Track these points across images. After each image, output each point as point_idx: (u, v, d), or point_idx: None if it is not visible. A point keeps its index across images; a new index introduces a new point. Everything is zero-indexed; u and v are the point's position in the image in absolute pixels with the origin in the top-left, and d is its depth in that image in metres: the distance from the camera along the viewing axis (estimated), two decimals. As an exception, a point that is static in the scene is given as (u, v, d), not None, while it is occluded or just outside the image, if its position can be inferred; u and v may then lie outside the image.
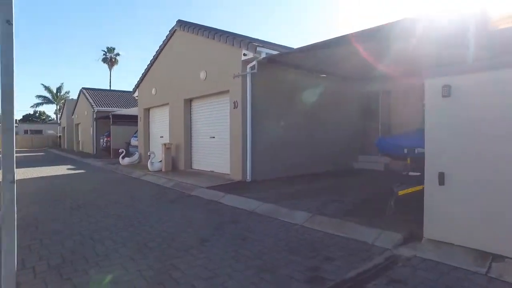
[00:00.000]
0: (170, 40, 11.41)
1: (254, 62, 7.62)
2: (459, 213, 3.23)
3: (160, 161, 10.72)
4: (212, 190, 6.98)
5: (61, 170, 12.57)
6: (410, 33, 5.72)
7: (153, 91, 12.63)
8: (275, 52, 7.67)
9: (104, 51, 45.87)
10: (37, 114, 53.85)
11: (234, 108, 8.23)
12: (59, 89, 48.57)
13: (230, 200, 6.13)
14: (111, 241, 4.00)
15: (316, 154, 9.39)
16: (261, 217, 5.03)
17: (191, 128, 10.66)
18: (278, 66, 8.26)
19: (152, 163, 10.59)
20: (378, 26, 5.48)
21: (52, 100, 48.82)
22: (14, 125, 1.62)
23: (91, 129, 21.88)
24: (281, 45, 9.60)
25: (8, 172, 1.63)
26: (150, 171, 10.38)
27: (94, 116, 21.37)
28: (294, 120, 8.89)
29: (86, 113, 23.35)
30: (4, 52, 1.58)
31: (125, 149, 13.88)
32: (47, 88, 47.77)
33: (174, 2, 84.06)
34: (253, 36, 10.03)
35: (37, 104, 49.12)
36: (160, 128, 12.71)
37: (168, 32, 11.35)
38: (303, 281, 2.86)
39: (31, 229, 4.57)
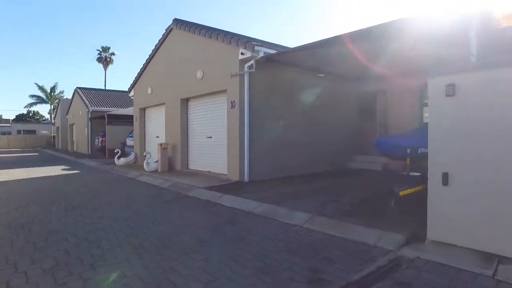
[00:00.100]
0: (166, 39, 11.29)
1: (251, 61, 7.54)
2: (463, 214, 3.18)
3: (156, 161, 10.60)
4: (209, 191, 6.88)
5: (56, 170, 12.38)
6: (407, 33, 5.69)
7: (149, 91, 12.50)
8: (272, 51, 7.60)
9: (99, 50, 45.52)
10: (30, 114, 53.24)
11: (231, 107, 8.14)
12: (53, 88, 48.11)
13: (228, 200, 6.04)
14: (107, 243, 3.90)
15: (314, 154, 9.34)
16: (260, 218, 4.95)
17: (187, 128, 10.56)
18: (276, 65, 8.19)
19: (148, 163, 10.47)
20: (372, 27, 5.46)
21: (46, 100, 48.31)
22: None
23: (86, 129, 21.64)
24: (279, 45, 9.54)
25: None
26: (146, 172, 10.25)
27: (89, 116, 21.14)
28: (292, 120, 8.82)
29: (80, 113, 23.10)
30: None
31: (121, 149, 13.72)
32: (41, 88, 47.29)
33: (170, 1, 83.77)
34: (250, 36, 9.96)
35: (31, 104, 48.64)
36: (156, 128, 12.58)
37: (164, 31, 11.23)
38: (305, 284, 2.78)
39: (24, 231, 4.44)
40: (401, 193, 4.70)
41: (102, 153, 18.11)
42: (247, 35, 9.67)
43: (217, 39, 8.50)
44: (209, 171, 9.38)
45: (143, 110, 13.61)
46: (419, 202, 4.97)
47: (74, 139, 26.38)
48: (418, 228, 3.83)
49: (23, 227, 4.63)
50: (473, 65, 3.21)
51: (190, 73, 9.71)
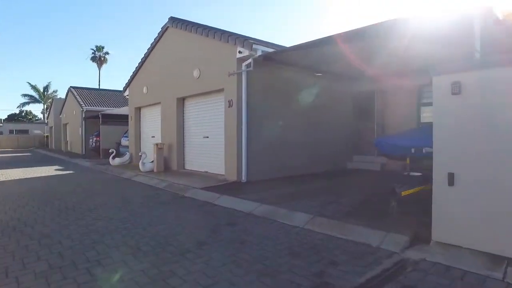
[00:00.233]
0: (162, 38, 11.15)
1: (249, 60, 7.44)
2: (470, 215, 3.12)
3: (152, 161, 10.45)
4: (206, 191, 6.77)
5: (49, 170, 12.16)
6: (403, 33, 5.65)
7: (145, 90, 12.34)
8: (271, 50, 7.51)
9: (93, 49, 45.17)
10: (23, 114, 52.53)
11: (229, 107, 8.04)
12: (46, 88, 47.52)
13: (226, 201, 5.94)
14: (102, 245, 3.77)
15: (312, 154, 9.27)
16: (259, 219, 4.85)
17: (183, 127, 10.43)
18: (274, 64, 8.11)
19: (143, 163, 10.32)
20: (367, 26, 5.44)
21: (39, 99, 47.72)
22: None
23: (80, 129, 21.36)
24: (277, 44, 9.44)
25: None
26: (141, 172, 10.10)
27: (83, 116, 20.87)
28: (290, 119, 8.74)
29: (74, 113, 22.81)
30: None
31: (116, 149, 13.54)
32: (34, 87, 46.68)
33: (165, 0, 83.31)
34: (247, 35, 9.86)
35: (23, 104, 48.02)
36: (152, 127, 12.42)
37: (160, 30, 11.09)
38: (309, 288, 2.70)
39: (16, 233, 4.29)
40: (403, 193, 4.64)
41: (97, 153, 17.89)
42: (243, 34, 9.56)
43: (214, 38, 8.39)
44: (206, 172, 9.27)
45: (138, 110, 13.44)
46: (420, 202, 4.94)
47: (68, 139, 26.05)
48: (421, 229, 3.77)
49: (15, 229, 4.48)
50: (480, 63, 3.15)
51: (187, 72, 9.58)
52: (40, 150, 28.61)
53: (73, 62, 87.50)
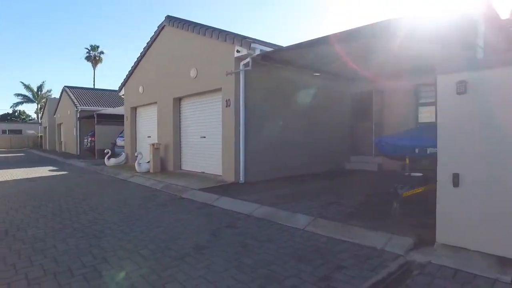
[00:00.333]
0: (159, 37, 11.01)
1: (248, 59, 7.35)
2: (476, 216, 3.05)
3: (148, 162, 10.31)
4: (204, 192, 6.67)
5: (43, 171, 11.95)
6: (402, 33, 5.61)
7: (140, 90, 12.19)
8: (269, 49, 7.42)
9: (87, 49, 44.72)
10: (16, 114, 51.87)
11: (226, 106, 7.94)
12: (40, 87, 46.95)
13: (225, 203, 5.84)
14: (99, 249, 3.66)
15: (310, 154, 9.21)
16: (260, 221, 4.76)
17: (180, 127, 10.30)
18: (272, 63, 8.01)
19: (139, 164, 10.18)
20: (362, 27, 5.39)
21: (33, 99, 47.15)
22: None
23: (75, 129, 21.11)
24: (275, 44, 9.35)
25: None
26: (137, 172, 9.96)
27: (78, 116, 20.62)
28: (288, 119, 8.67)
29: (69, 113, 22.52)
30: None
31: (111, 150, 13.37)
32: (27, 87, 46.07)
33: (163, 0, 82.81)
34: (244, 35, 9.76)
35: (17, 103, 47.40)
36: (148, 127, 12.28)
37: (156, 28, 10.94)
38: (315, 293, 2.61)
39: (8, 238, 4.16)
40: (405, 194, 4.58)
41: (91, 153, 17.68)
42: (242, 34, 9.45)
43: (211, 37, 8.28)
44: (203, 172, 9.16)
45: (134, 110, 13.27)
46: (421, 203, 4.90)
47: (62, 139, 25.73)
48: (424, 231, 3.72)
49: (7, 233, 4.34)
50: (487, 62, 3.09)
51: (183, 72, 9.46)
52: (34, 151, 28.24)
53: (68, 62, 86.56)
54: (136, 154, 10.61)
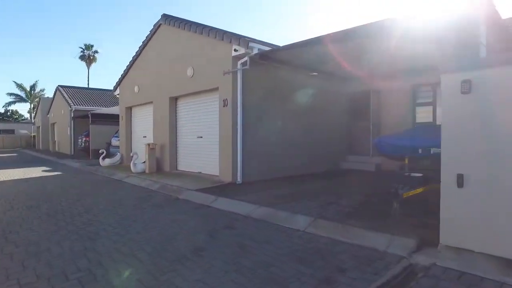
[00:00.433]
0: (155, 35, 10.88)
1: (245, 58, 7.27)
2: (481, 218, 3.00)
3: (144, 162, 10.18)
4: (201, 193, 6.57)
5: (36, 172, 11.75)
6: (399, 33, 5.58)
7: (136, 89, 12.04)
8: (267, 48, 7.35)
9: (81, 48, 44.23)
10: (9, 113, 51.20)
11: (223, 106, 7.85)
12: (33, 87, 46.38)
13: (222, 203, 5.75)
14: (94, 253, 3.55)
15: (307, 154, 9.15)
16: (258, 222, 4.68)
17: (176, 127, 10.18)
18: (270, 63, 7.94)
19: (135, 164, 10.04)
20: (357, 26, 5.36)
21: (26, 99, 46.58)
22: None
23: (69, 128, 20.83)
24: (274, 44, 9.28)
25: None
26: (133, 173, 9.82)
27: (72, 115, 20.35)
28: (286, 119, 8.60)
29: (63, 112, 22.23)
30: None
31: (106, 150, 13.19)
32: (20, 86, 45.50)
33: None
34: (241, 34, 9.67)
35: (9, 103, 46.80)
36: (143, 127, 12.13)
37: (152, 27, 10.82)
38: (318, 297, 2.54)
39: (0, 240, 4.02)
40: (405, 194, 4.53)
41: (86, 153, 17.46)
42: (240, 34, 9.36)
43: (208, 35, 8.18)
44: (200, 172, 9.05)
45: (129, 109, 13.11)
46: (422, 203, 4.86)
47: (55, 139, 25.40)
48: (426, 231, 3.67)
49: (-1, 235, 4.22)
50: (492, 60, 3.04)
51: (180, 71, 9.35)
52: (27, 151, 27.85)
53: (61, 61, 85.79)
54: (131, 154, 10.47)
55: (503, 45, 4.57)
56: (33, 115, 38.72)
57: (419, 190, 4.81)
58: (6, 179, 9.74)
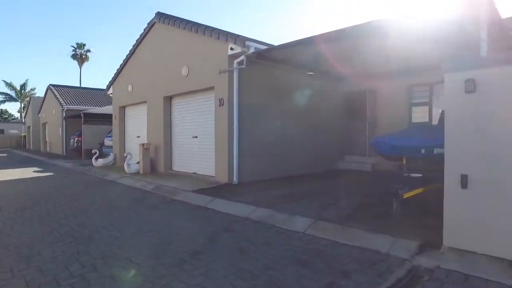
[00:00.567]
0: (149, 34, 10.71)
1: (242, 57, 7.16)
2: (485, 219, 2.96)
3: (138, 162, 10.01)
4: (197, 194, 6.46)
5: (27, 172, 11.49)
6: (394, 33, 5.54)
7: (130, 88, 11.85)
8: (264, 47, 7.26)
9: (73, 47, 43.56)
10: (-2, 113, 50.34)
11: (219, 105, 7.74)
12: (23, 86, 45.54)
13: (219, 205, 5.65)
14: (88, 257, 3.42)
15: (304, 154, 9.09)
16: (257, 224, 4.58)
17: (171, 127, 10.04)
18: (266, 62, 7.86)
19: (128, 164, 9.86)
20: (353, 26, 5.31)
21: (16, 98, 45.76)
22: None
23: (60, 128, 20.48)
24: (269, 43, 9.20)
25: None
26: (126, 173, 9.65)
27: (64, 115, 20.01)
28: (282, 119, 8.53)
29: (54, 112, 21.85)
30: None
31: (99, 150, 12.97)
32: (9, 85, 44.66)
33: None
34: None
35: (-1, 102, 45.91)
36: (137, 127, 11.95)
37: (146, 25, 10.65)
38: (322, 302, 2.46)
39: (-12, 244, 3.88)
40: (405, 195, 4.49)
41: (78, 154, 17.18)
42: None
43: (204, 34, 8.06)
44: (195, 173, 8.92)
45: (122, 109, 12.91)
46: (420, 203, 4.83)
47: (47, 139, 24.98)
48: (427, 232, 3.64)
49: (-12, 239, 4.06)
50: (497, 59, 3.00)
51: (174, 70, 9.22)
52: (17, 151, 27.34)
53: (53, 60, 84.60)
54: (125, 155, 10.29)
55: (503, 44, 4.55)
56: (23, 114, 38.06)
57: (419, 190, 4.78)
58: (-5, 180, 9.50)
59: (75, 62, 44.19)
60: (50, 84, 23.18)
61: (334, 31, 5.64)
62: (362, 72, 9.11)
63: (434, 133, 4.85)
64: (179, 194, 6.65)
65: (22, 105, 44.93)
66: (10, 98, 45.65)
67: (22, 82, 45.93)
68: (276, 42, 6.90)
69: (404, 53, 6.95)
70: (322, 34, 5.94)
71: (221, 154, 7.72)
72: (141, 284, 2.79)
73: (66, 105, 20.38)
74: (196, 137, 9.01)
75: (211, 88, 8.06)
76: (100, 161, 12.33)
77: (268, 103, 8.19)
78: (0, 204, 6.15)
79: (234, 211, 5.22)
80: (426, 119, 9.05)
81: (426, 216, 4.38)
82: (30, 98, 34.48)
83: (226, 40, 7.39)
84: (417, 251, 3.29)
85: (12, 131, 37.43)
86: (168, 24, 9.49)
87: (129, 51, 11.77)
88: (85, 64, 44.92)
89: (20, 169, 12.73)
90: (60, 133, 20.53)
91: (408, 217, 4.32)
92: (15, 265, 3.22)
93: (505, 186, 2.86)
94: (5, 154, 23.63)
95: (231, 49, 7.29)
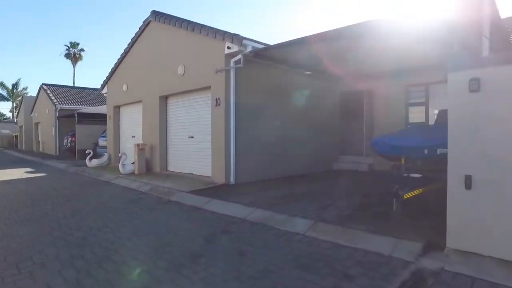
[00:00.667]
0: (144, 32, 10.57)
1: (239, 56, 7.08)
2: (489, 220, 2.91)
3: (133, 163, 9.86)
4: (194, 195, 6.35)
5: (18, 173, 11.26)
6: (393, 33, 5.50)
7: (124, 88, 11.69)
8: (261, 46, 7.18)
9: (67, 46, 43.15)
10: (-10, 113, 49.63)
11: (216, 105, 7.64)
12: (15, 85, 44.95)
13: (217, 206, 5.55)
14: (82, 261, 3.31)
15: (301, 154, 9.02)
16: (256, 225, 4.50)
17: (167, 127, 9.91)
18: (264, 61, 7.77)
19: (123, 165, 9.71)
20: (349, 26, 5.25)
21: (7, 97, 45.15)
22: None
23: (53, 128, 20.18)
24: (266, 43, 9.11)
25: None
26: (121, 174, 9.50)
27: (57, 115, 19.72)
28: (280, 119, 8.45)
29: (47, 111, 21.53)
30: None
31: (93, 150, 12.78)
32: (1, 84, 44.06)
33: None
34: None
35: (-10, 102, 45.25)
36: (132, 127, 11.79)
37: (141, 24, 10.50)
38: (327, 308, 2.38)
39: (-22, 248, 3.74)
40: (405, 196, 4.44)
41: (72, 154, 16.94)
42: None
43: (200, 33, 7.96)
44: (191, 173, 8.81)
45: (117, 108, 12.74)
46: (420, 204, 4.79)
47: (40, 139, 24.62)
48: (429, 233, 3.59)
49: (-22, 243, 3.92)
50: (502, 58, 2.94)
51: (170, 69, 9.09)
52: (9, 151, 26.90)
53: (45, 59, 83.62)
54: (120, 155, 10.14)
55: (503, 44, 4.52)
56: (15, 114, 37.52)
57: (419, 190, 4.73)
58: (-14, 181, 9.28)
59: (69, 62, 43.84)
60: (43, 83, 22.84)
61: (329, 31, 5.58)
62: (359, 72, 9.07)
63: (433, 133, 4.81)
64: (175, 195, 6.54)
65: (14, 105, 44.34)
66: (1, 98, 45.12)
67: (14, 81, 45.37)
68: (276, 42, 6.81)
69: (401, 53, 6.91)
70: (317, 34, 5.87)
71: (217, 155, 7.63)
72: (138, 290, 2.69)
73: (60, 104, 20.08)
74: (192, 137, 8.90)
75: (208, 88, 7.95)
76: (94, 162, 12.14)
77: (266, 102, 8.11)
78: (-9, 206, 5.99)
79: (232, 212, 5.12)
80: (423, 119, 9.05)
81: (426, 216, 4.34)
82: (22, 97, 33.97)
83: (223, 39, 7.30)
84: (421, 252, 3.23)
85: (4, 131, 36.83)
86: (164, 22, 9.36)
87: (124, 50, 11.62)
88: (79, 64, 44.62)
89: (12, 169, 12.47)
90: (53, 133, 20.23)
91: (408, 218, 4.28)
92: (4, 271, 3.09)
93: (510, 187, 2.81)
94: (-3, 155, 23.25)
95: (228, 48, 7.20)
